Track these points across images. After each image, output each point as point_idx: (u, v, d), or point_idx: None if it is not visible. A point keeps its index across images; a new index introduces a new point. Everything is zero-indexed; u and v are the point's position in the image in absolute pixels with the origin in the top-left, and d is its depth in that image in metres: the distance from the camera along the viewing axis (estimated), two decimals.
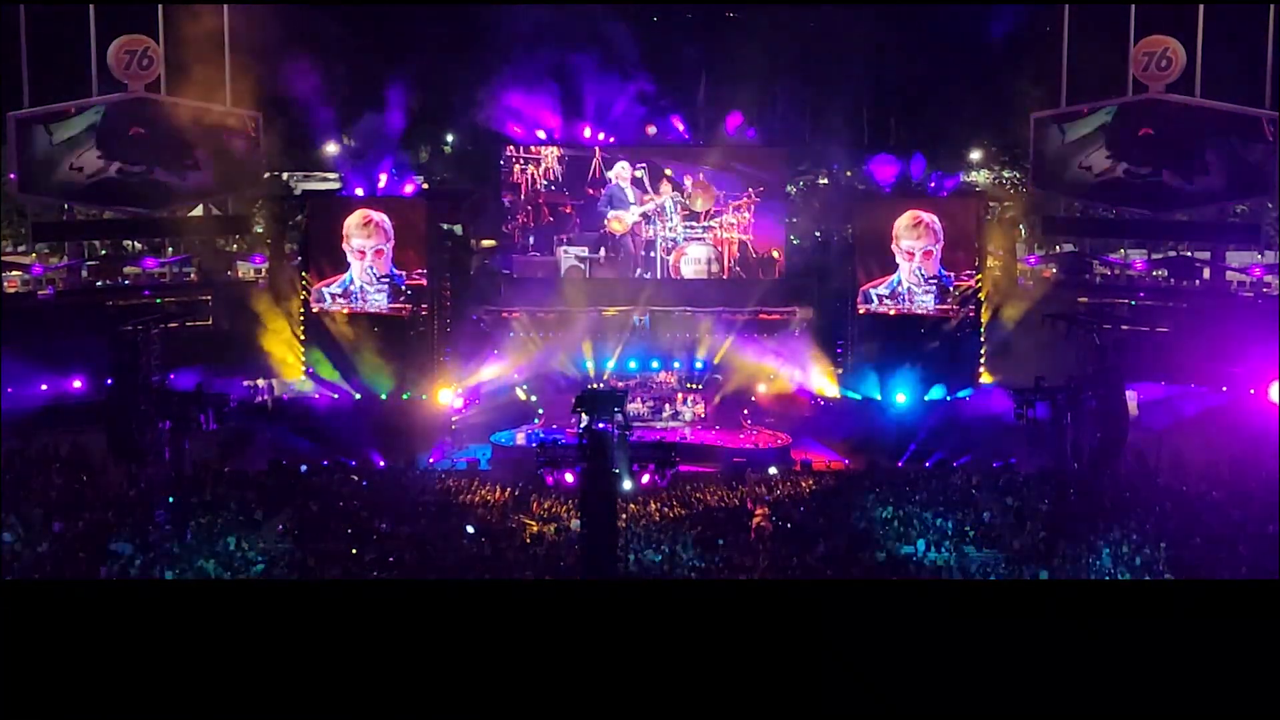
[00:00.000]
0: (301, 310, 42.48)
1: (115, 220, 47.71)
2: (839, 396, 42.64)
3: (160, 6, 45.51)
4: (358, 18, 48.30)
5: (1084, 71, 45.61)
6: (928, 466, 38.53)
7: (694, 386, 43.99)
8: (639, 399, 42.92)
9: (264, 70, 44.72)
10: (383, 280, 42.08)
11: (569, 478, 26.43)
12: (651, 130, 45.67)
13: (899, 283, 41.93)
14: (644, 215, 44.83)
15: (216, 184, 47.43)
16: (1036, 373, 33.29)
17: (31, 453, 37.13)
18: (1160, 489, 34.29)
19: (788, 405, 43.54)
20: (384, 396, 41.75)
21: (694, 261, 44.98)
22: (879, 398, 41.84)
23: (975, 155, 52.58)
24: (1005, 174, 52.46)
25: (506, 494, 35.22)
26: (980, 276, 42.22)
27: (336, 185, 46.18)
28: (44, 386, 41.16)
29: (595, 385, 41.30)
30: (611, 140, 45.18)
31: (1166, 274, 46.91)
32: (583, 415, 24.89)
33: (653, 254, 44.92)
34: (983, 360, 42.23)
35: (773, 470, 38.53)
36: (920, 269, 41.77)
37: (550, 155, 44.95)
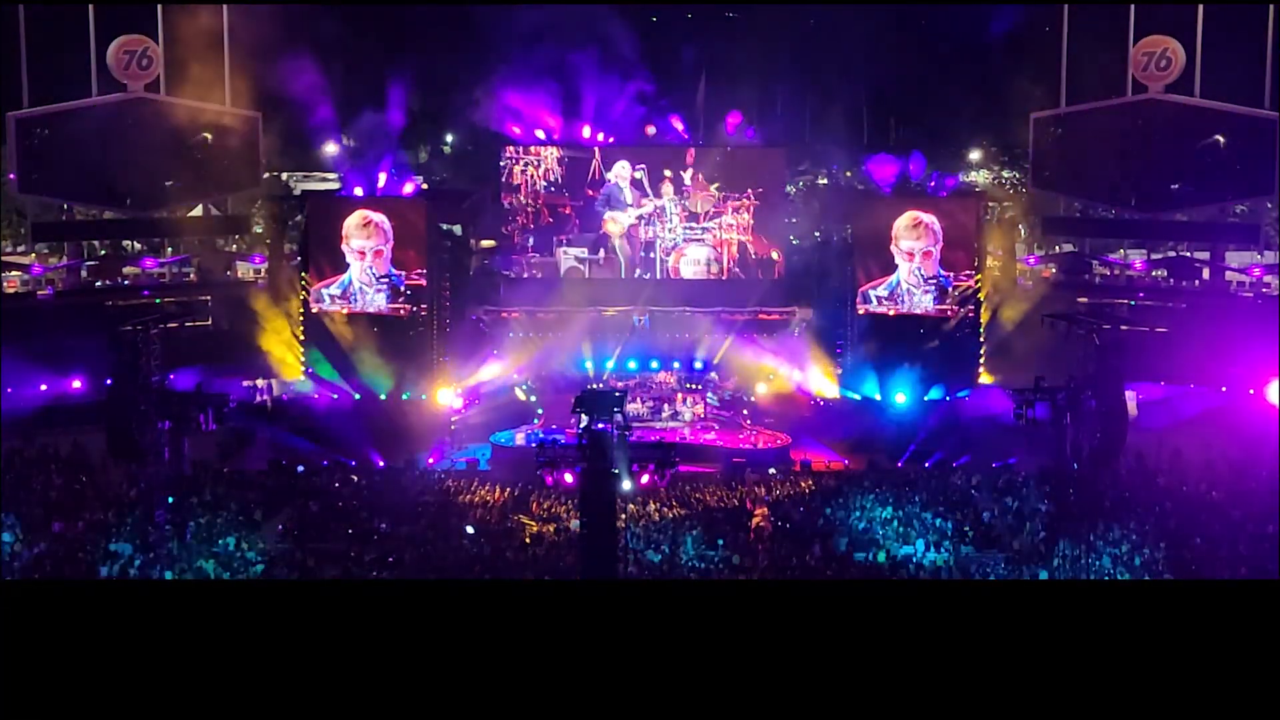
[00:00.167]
0: (301, 310, 42.47)
1: (115, 220, 47.63)
2: (838, 397, 42.66)
3: (160, 6, 45.51)
4: (357, 17, 48.30)
5: (1084, 71, 45.58)
6: (927, 467, 38.53)
7: (693, 387, 44.01)
8: (638, 399, 42.95)
9: (263, 70, 44.71)
10: (382, 280, 42.07)
11: (568, 478, 26.34)
12: (651, 130, 45.61)
13: (898, 283, 41.92)
14: (640, 218, 44.78)
15: (216, 184, 47.43)
16: (1036, 373, 33.16)
17: (31, 453, 37.18)
18: (1160, 489, 34.34)
19: (787, 405, 43.56)
20: (383, 397, 41.75)
21: (694, 262, 44.94)
22: (878, 398, 41.87)
23: (975, 155, 52.61)
24: (1005, 174, 52.48)
25: (506, 494, 35.28)
26: (979, 277, 42.20)
27: (336, 185, 46.24)
28: (44, 386, 41.25)
29: (595, 385, 41.26)
30: (611, 140, 45.14)
31: (1166, 274, 46.86)
32: (582, 415, 24.84)
33: (652, 255, 44.91)
34: (982, 360, 42.22)
35: (772, 470, 38.53)
36: (920, 269, 41.76)
37: (550, 156, 44.90)
